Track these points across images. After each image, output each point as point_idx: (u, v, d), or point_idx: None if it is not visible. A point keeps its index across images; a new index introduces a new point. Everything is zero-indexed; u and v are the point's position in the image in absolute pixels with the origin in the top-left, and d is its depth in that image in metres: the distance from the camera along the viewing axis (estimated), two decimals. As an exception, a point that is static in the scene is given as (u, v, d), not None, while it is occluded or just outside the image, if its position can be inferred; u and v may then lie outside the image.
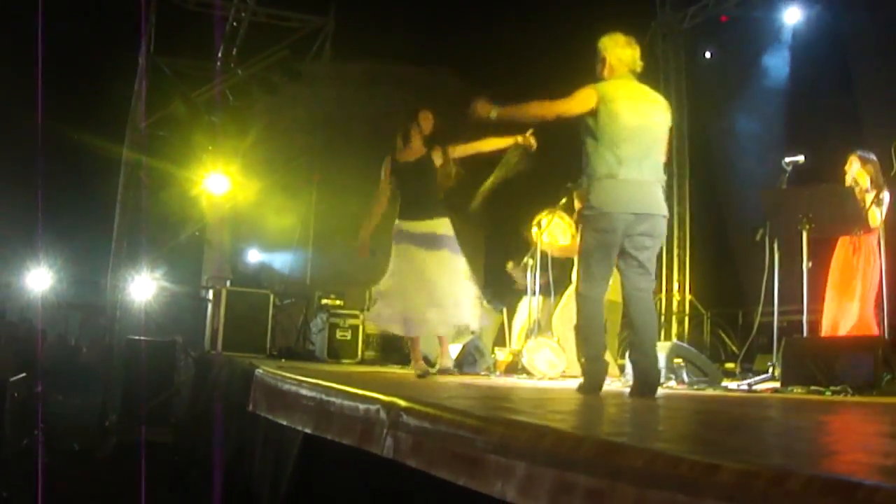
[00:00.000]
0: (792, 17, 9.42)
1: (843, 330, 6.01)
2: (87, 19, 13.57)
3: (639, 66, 4.45)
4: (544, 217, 7.22)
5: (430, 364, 6.39)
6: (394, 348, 8.68)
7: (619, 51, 4.39)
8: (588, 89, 4.27)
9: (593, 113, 4.21)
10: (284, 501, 3.61)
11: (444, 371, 5.73)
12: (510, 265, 8.15)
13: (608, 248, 4.21)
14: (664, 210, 4.29)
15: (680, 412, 3.03)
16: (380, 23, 12.00)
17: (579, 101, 4.24)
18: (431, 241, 5.59)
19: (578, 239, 4.41)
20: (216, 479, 4.84)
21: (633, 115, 4.24)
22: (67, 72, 13.51)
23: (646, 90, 4.45)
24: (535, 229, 7.31)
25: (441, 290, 5.57)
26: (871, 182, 6.03)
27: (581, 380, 4.27)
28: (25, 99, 10.79)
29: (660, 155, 4.35)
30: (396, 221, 5.71)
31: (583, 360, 4.25)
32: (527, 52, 10.73)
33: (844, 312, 6.06)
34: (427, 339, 7.19)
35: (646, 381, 4.09)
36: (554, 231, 7.27)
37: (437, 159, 5.71)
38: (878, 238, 5.92)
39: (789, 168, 5.75)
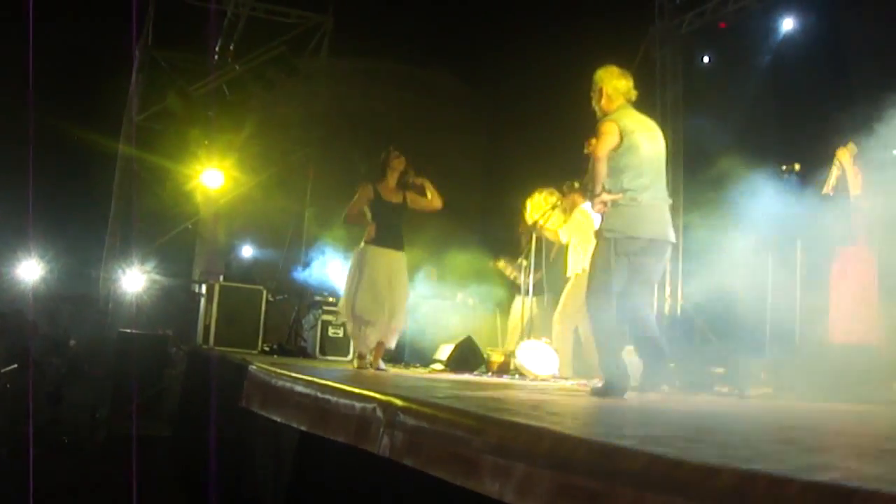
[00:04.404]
0: (790, 23, 9.44)
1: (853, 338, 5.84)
2: (84, 11, 13.52)
3: (634, 94, 4.63)
4: (534, 198, 7.22)
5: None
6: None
7: (616, 81, 4.57)
8: (609, 123, 4.44)
9: (615, 146, 4.38)
10: (286, 493, 3.62)
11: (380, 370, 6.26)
12: (501, 263, 8.09)
13: (624, 268, 4.43)
14: (673, 237, 4.58)
15: (675, 416, 3.05)
16: (378, 21, 12.00)
17: (610, 139, 4.38)
18: (390, 266, 6.33)
19: (592, 255, 4.59)
20: (210, 473, 4.83)
21: (650, 145, 4.49)
22: (63, 64, 13.44)
23: (647, 119, 4.66)
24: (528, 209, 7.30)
25: (396, 305, 6.33)
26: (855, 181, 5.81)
27: (601, 384, 4.41)
28: (19, 91, 10.75)
29: (664, 177, 4.60)
30: (363, 245, 6.33)
31: (607, 369, 4.39)
32: (524, 53, 10.73)
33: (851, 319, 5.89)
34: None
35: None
36: (543, 207, 7.18)
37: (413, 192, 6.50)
38: (868, 245, 5.70)
39: (785, 175, 5.75)
